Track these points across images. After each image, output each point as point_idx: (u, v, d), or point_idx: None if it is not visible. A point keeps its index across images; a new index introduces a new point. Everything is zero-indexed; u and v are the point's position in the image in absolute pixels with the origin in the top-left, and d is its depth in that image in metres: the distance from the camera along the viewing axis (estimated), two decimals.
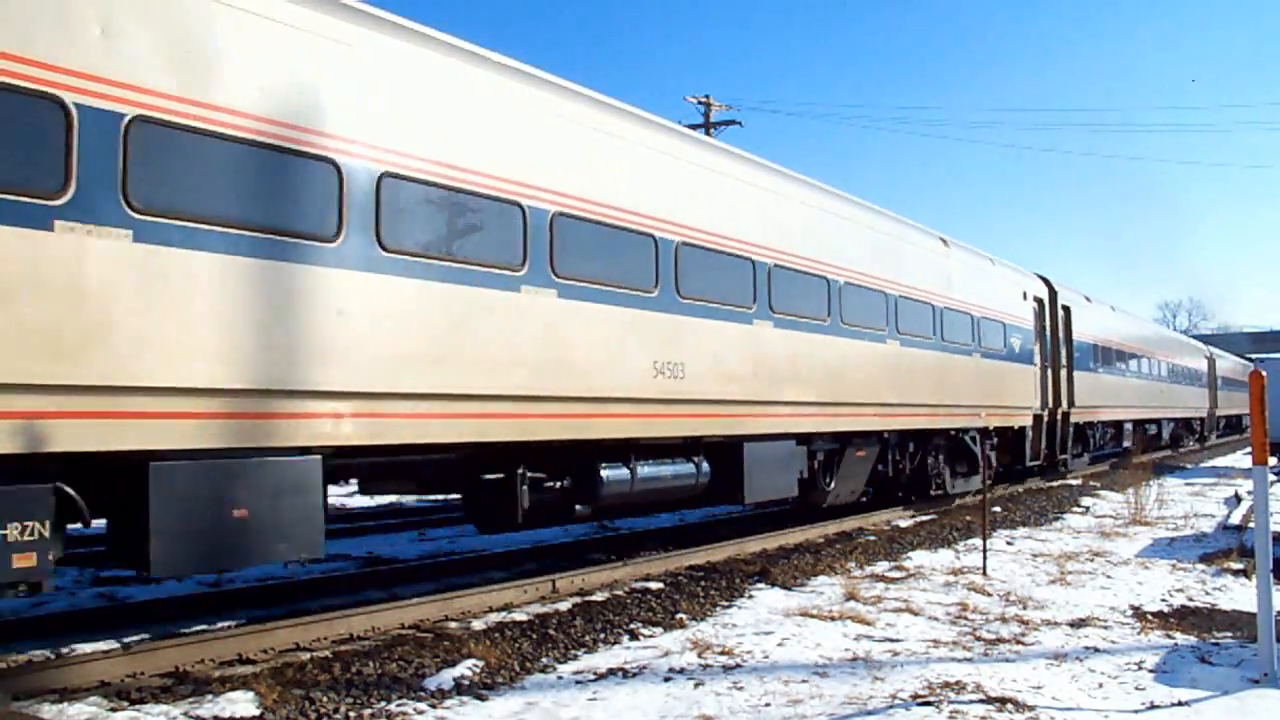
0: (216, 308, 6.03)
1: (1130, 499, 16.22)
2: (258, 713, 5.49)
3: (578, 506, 9.28)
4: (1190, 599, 8.92)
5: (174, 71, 5.95)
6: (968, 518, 14.47)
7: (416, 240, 7.28)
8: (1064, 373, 20.51)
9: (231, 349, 6.08)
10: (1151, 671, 6.38)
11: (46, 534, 5.36)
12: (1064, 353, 20.63)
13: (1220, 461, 32.10)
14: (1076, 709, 5.61)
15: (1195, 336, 59.56)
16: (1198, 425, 40.42)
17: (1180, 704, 5.66)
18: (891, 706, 5.62)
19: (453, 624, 7.75)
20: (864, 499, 14.36)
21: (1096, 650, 6.97)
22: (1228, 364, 49.15)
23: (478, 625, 7.68)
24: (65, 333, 5.36)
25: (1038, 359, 19.19)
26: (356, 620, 7.44)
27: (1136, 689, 5.99)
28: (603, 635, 7.43)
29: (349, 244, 6.75)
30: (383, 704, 5.70)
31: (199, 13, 6.09)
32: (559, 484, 9.00)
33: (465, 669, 6.34)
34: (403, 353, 7.07)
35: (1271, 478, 12.00)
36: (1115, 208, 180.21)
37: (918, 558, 11.11)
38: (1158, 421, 31.80)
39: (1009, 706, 5.59)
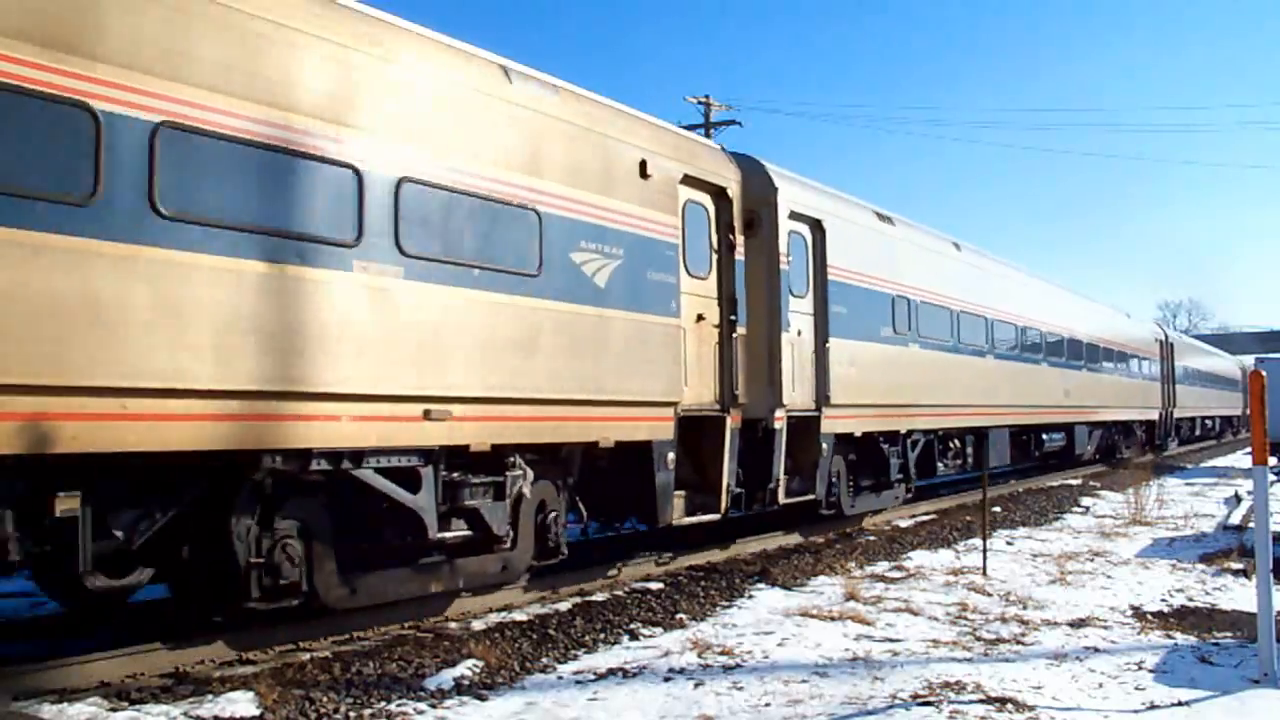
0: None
1: (1130, 499, 16.24)
2: (258, 713, 5.48)
3: (1035, 452, 20.08)
4: (1190, 599, 8.92)
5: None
6: (968, 518, 14.47)
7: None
8: (1170, 386, 32.47)
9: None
10: (1151, 671, 6.38)
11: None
12: (1170, 374, 32.60)
13: (1220, 461, 32.12)
14: (1076, 709, 5.61)
15: (1196, 337, 60.29)
16: (1235, 421, 51.38)
17: (1180, 704, 5.66)
18: (891, 706, 5.63)
19: (453, 624, 7.75)
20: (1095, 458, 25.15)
21: (1096, 650, 6.97)
22: None
23: (478, 625, 7.68)
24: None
25: (1160, 378, 31.11)
26: (356, 620, 7.43)
27: (1136, 689, 6.00)
28: (603, 635, 7.43)
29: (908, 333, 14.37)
30: (383, 704, 5.70)
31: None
32: (1029, 439, 19.49)
33: (465, 669, 6.34)
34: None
35: (1271, 478, 12.00)
36: (1114, 207, 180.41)
37: (918, 558, 11.11)
38: (1213, 418, 44.56)
39: (1009, 706, 5.59)
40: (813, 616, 7.99)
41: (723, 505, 9.79)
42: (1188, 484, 22.15)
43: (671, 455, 9.09)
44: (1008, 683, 6.08)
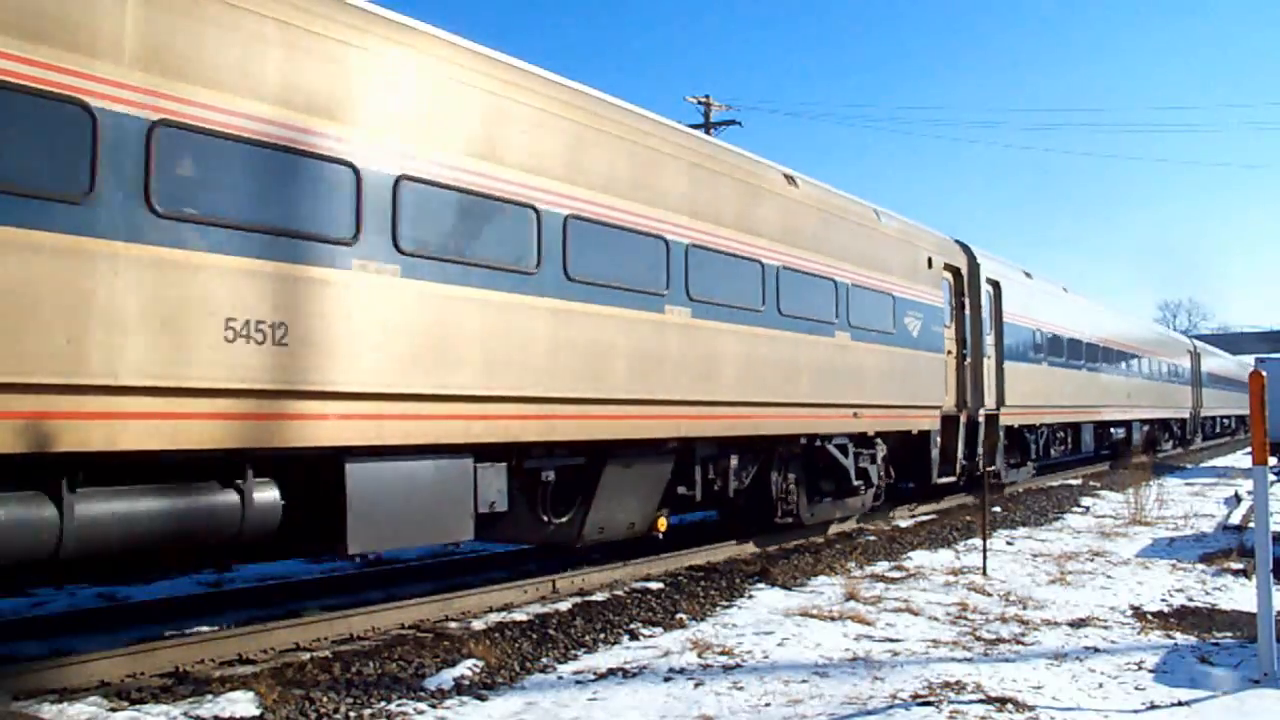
0: None
1: (1130, 499, 16.22)
2: (258, 713, 5.48)
3: (1106, 442, 25.49)
4: (1190, 599, 8.91)
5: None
6: (967, 518, 14.47)
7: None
8: (1199, 390, 38.03)
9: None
10: (1151, 671, 6.38)
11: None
12: (1198, 379, 38.10)
13: (1220, 461, 32.11)
14: (1076, 709, 5.61)
15: (1197, 337, 60.73)
16: (1247, 420, 54.52)
17: (1180, 704, 5.66)
18: (891, 706, 5.62)
19: (453, 624, 7.75)
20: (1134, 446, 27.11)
21: (1096, 650, 6.97)
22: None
23: (478, 625, 7.67)
24: None
25: (1190, 383, 36.60)
26: (356, 620, 7.44)
27: (1136, 689, 6.00)
28: (603, 635, 7.43)
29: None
30: (383, 704, 5.70)
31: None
32: (1102, 432, 24.62)
33: (465, 669, 6.34)
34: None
35: (1271, 478, 11.99)
36: (1115, 207, 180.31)
37: (918, 558, 11.10)
38: (1229, 416, 49.89)
39: (1009, 706, 5.59)
40: (813, 616, 7.99)
41: (957, 471, 15.31)
42: (1188, 484, 22.13)
43: (938, 439, 14.53)
44: (1008, 683, 6.08)
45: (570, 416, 8.15)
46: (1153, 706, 5.65)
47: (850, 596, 8.70)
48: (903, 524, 14.39)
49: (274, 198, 6.14)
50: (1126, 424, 26.94)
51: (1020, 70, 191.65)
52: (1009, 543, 12.51)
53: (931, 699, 5.72)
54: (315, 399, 6.26)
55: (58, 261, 5.13)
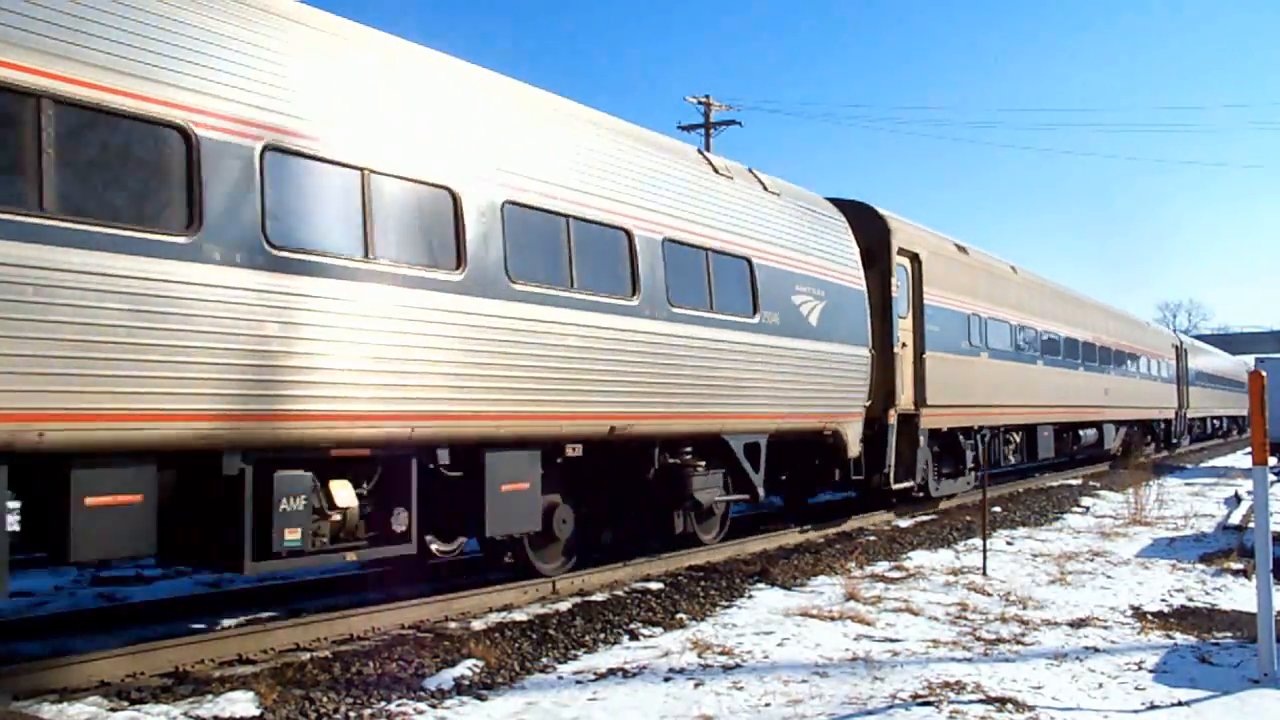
0: None
1: (1130, 499, 16.24)
2: (258, 713, 5.48)
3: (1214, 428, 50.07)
4: (1190, 599, 8.92)
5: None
6: (967, 518, 14.47)
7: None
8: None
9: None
10: (1151, 671, 6.39)
11: None
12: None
13: (1220, 461, 32.17)
14: (1076, 709, 5.61)
15: (1197, 337, 61.12)
16: None
17: (1180, 704, 5.67)
18: (891, 706, 5.63)
19: (453, 624, 7.75)
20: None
21: (1096, 650, 6.97)
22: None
23: (478, 625, 7.67)
24: None
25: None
26: (356, 620, 7.44)
27: (1136, 689, 6.00)
28: (603, 635, 7.43)
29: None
30: (383, 704, 5.70)
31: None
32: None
33: (465, 669, 6.34)
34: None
35: (1271, 478, 12.00)
36: (1115, 207, 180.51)
37: (918, 558, 11.11)
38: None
39: (1009, 706, 5.59)
40: (813, 616, 7.99)
41: (1176, 435, 35.17)
42: (1188, 484, 22.15)
43: (1166, 422, 33.54)
44: (1008, 683, 6.08)
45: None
46: (1153, 706, 5.65)
47: (850, 596, 8.70)
48: (903, 524, 14.39)
49: None
50: (1222, 418, 48.11)
51: (1020, 70, 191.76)
52: (1009, 543, 12.51)
53: (931, 699, 5.72)
54: None
55: None
